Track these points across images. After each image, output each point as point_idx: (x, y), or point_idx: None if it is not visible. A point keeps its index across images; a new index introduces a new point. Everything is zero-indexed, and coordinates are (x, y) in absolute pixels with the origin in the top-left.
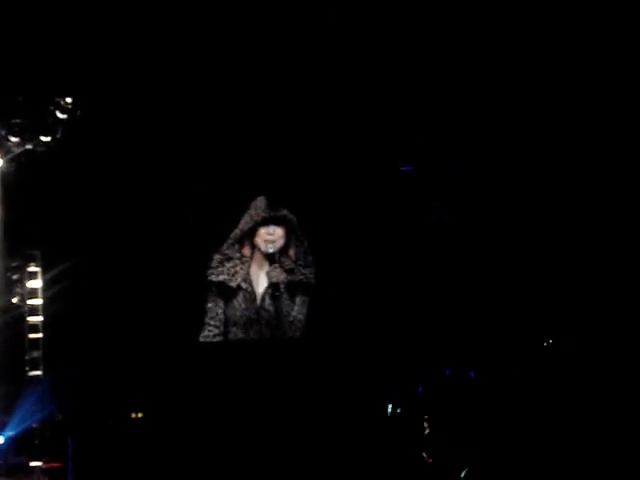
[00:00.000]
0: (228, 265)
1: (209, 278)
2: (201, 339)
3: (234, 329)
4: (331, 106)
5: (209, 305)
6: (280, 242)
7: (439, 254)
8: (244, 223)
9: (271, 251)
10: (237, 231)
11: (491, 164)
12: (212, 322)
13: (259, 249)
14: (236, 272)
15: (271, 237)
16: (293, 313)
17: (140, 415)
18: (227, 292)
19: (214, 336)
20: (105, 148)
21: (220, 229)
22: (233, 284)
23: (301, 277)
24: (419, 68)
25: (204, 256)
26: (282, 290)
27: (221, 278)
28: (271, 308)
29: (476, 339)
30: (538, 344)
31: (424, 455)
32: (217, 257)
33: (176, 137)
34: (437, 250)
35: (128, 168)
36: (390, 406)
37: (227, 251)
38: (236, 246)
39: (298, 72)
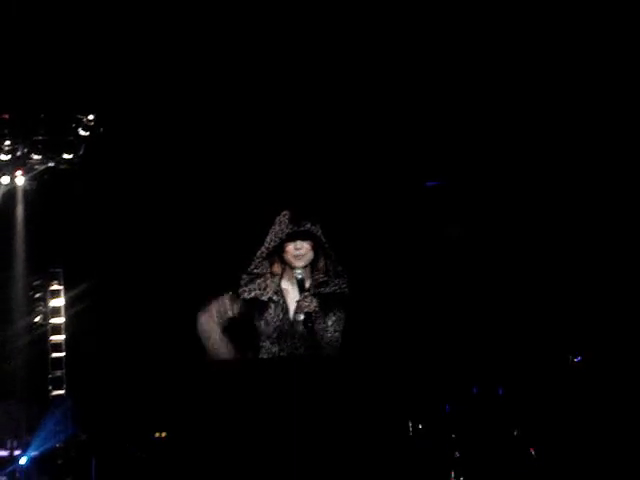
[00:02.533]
0: (259, 281)
1: (242, 297)
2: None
3: (267, 343)
4: (352, 121)
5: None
6: (309, 256)
7: (463, 270)
8: (269, 240)
9: (300, 266)
10: (263, 249)
11: (504, 175)
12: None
13: (289, 265)
14: (267, 286)
15: (299, 252)
16: (328, 335)
17: (164, 434)
18: (259, 307)
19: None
20: (127, 165)
21: (246, 247)
22: (265, 297)
23: (334, 288)
24: (436, 83)
25: (232, 274)
26: (314, 317)
27: (253, 295)
28: (304, 329)
29: (504, 356)
30: (564, 360)
31: (453, 474)
32: (245, 276)
33: (199, 154)
34: (461, 266)
35: (150, 185)
36: (411, 424)
37: (256, 270)
38: (265, 263)
39: (322, 88)
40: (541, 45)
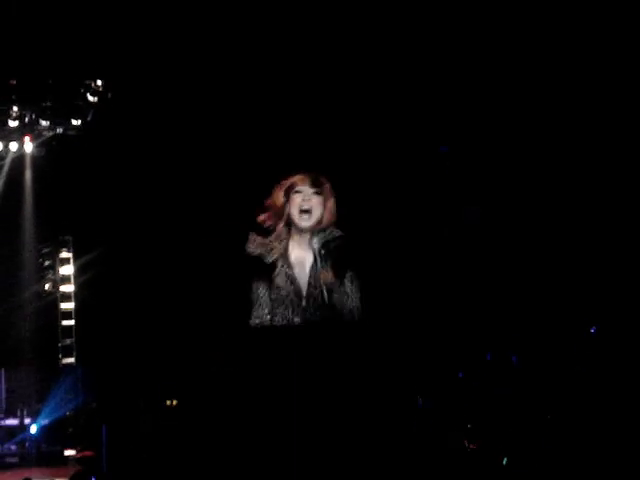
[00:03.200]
0: (264, 241)
1: (247, 251)
2: (251, 323)
3: (280, 309)
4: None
5: (253, 285)
6: (317, 214)
7: (479, 238)
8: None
9: (306, 227)
10: (271, 201)
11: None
12: (259, 303)
13: (296, 226)
14: (273, 248)
15: (307, 205)
16: (349, 303)
17: (175, 402)
18: (267, 270)
19: (262, 318)
20: (137, 131)
21: (255, 208)
22: (269, 259)
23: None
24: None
25: (242, 236)
26: (331, 287)
27: (258, 252)
28: (319, 289)
29: (519, 324)
30: (579, 329)
31: (466, 442)
32: (253, 234)
33: (209, 119)
34: (477, 234)
35: (159, 150)
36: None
37: (265, 225)
38: (275, 221)
39: (340, 58)
40: (557, 20)
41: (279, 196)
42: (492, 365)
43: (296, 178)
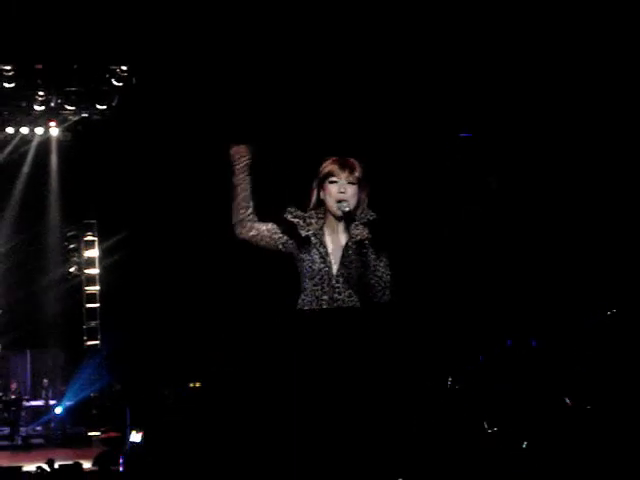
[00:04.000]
0: (304, 214)
1: (285, 215)
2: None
3: (309, 285)
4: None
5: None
6: (352, 202)
7: (500, 225)
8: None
9: (346, 210)
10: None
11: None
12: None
13: (331, 211)
14: (310, 223)
15: (342, 195)
16: (381, 269)
17: (198, 385)
18: (299, 241)
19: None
20: (161, 116)
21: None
22: (303, 232)
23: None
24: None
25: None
26: (368, 246)
27: (294, 220)
28: (353, 267)
29: (538, 309)
30: (600, 314)
31: (486, 425)
32: (291, 207)
33: (234, 104)
34: (497, 221)
35: (185, 135)
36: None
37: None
38: (313, 201)
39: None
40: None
41: (314, 186)
42: (512, 350)
43: (331, 167)
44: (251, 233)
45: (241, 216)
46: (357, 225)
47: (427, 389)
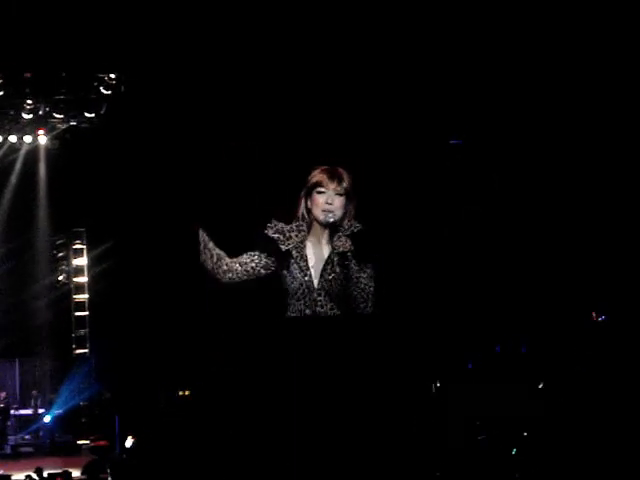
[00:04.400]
0: (285, 228)
1: (265, 231)
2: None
3: (293, 301)
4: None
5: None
6: (338, 214)
7: (487, 229)
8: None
9: (331, 221)
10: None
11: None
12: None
13: (317, 220)
14: (290, 237)
15: (329, 207)
16: (364, 281)
17: (188, 393)
18: (280, 256)
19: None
20: (149, 124)
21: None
22: (283, 247)
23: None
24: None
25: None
26: (350, 257)
27: (274, 236)
28: (334, 279)
29: (528, 314)
30: (588, 318)
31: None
32: (274, 220)
33: (222, 113)
34: (485, 225)
35: (172, 144)
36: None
37: (281, 221)
38: (296, 215)
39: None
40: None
41: (302, 194)
42: (501, 356)
43: (319, 177)
44: (228, 276)
45: (210, 266)
46: (340, 237)
47: (411, 395)
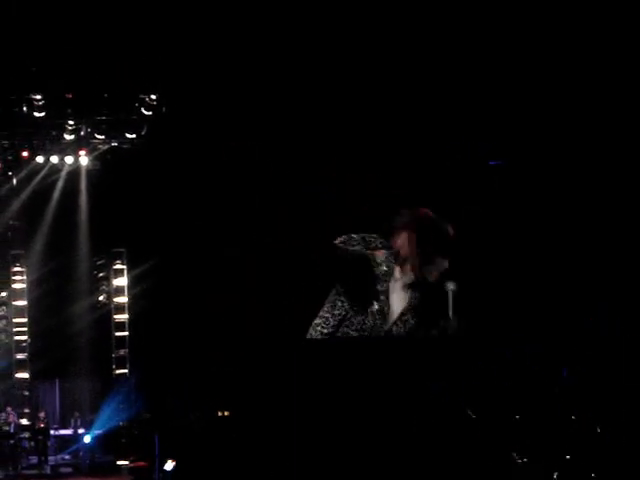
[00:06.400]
0: (389, 257)
1: (338, 252)
2: (310, 333)
3: (345, 329)
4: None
5: (332, 297)
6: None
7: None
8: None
9: (425, 276)
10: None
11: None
12: (328, 315)
13: (413, 269)
14: (393, 267)
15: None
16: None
17: (227, 413)
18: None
19: (323, 330)
20: (191, 145)
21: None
22: (380, 271)
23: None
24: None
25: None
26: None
27: (382, 264)
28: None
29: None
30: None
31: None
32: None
33: (264, 132)
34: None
35: (214, 164)
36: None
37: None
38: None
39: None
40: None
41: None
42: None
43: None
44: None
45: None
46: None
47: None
